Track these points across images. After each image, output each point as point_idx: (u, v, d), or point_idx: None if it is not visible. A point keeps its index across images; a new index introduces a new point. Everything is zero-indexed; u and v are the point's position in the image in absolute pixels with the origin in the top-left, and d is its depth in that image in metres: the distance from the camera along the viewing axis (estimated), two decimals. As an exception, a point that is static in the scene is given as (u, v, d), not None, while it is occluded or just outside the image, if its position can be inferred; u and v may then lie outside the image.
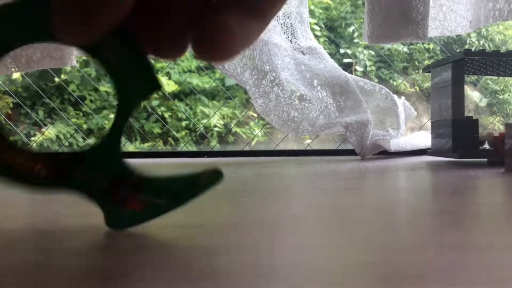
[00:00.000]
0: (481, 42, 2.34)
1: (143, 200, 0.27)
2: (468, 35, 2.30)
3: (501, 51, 0.79)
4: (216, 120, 2.00)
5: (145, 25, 0.18)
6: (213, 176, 0.27)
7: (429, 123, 0.95)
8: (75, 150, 0.27)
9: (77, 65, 1.13)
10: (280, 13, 1.03)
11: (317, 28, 1.98)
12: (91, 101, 2.20)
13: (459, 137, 0.77)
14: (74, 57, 1.04)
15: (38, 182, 0.25)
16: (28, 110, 1.72)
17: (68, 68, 1.60)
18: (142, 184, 0.27)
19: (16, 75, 1.85)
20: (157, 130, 2.23)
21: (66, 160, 0.25)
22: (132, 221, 0.28)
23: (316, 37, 1.56)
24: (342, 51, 1.97)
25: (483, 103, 2.06)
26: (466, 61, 0.80)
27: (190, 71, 2.17)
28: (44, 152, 0.25)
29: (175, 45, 0.18)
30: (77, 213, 0.31)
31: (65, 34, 0.15)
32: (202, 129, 1.80)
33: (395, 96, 1.08)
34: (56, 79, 1.52)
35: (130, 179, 0.27)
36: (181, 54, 0.18)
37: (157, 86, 0.24)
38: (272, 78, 1.01)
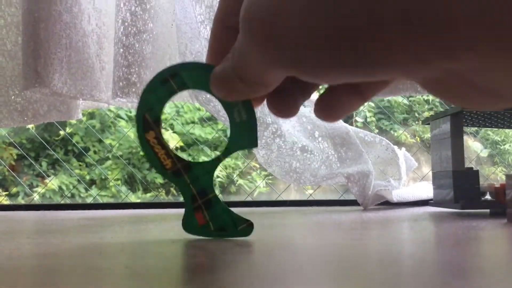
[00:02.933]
0: (480, 94, 2.37)
1: (205, 218, 0.38)
2: (466, 87, 2.33)
3: (498, 104, 0.80)
4: (218, 171, 2.01)
5: (274, 97, 0.26)
6: (248, 229, 0.40)
7: (430, 173, 0.96)
8: (190, 161, 0.39)
9: (83, 118, 1.15)
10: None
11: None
12: (95, 152, 2.21)
13: (461, 188, 0.77)
14: (80, 110, 1.06)
15: (163, 172, 0.38)
16: (32, 162, 1.73)
17: (74, 121, 1.63)
18: (212, 205, 0.38)
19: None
20: (159, 180, 2.23)
21: (182, 164, 0.38)
22: (194, 230, 0.39)
23: (317, 90, 1.59)
24: (342, 102, 2.00)
25: (484, 153, 2.07)
26: (464, 114, 0.82)
27: (193, 122, 2.20)
28: (175, 154, 0.38)
29: (292, 108, 0.27)
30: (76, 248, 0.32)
31: (216, 93, 0.25)
32: (204, 179, 1.80)
33: (395, 147, 1.09)
34: (61, 132, 1.54)
35: (209, 196, 0.38)
36: (294, 114, 0.27)
37: (255, 145, 0.36)
38: (274, 130, 1.03)
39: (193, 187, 0.39)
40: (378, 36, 0.16)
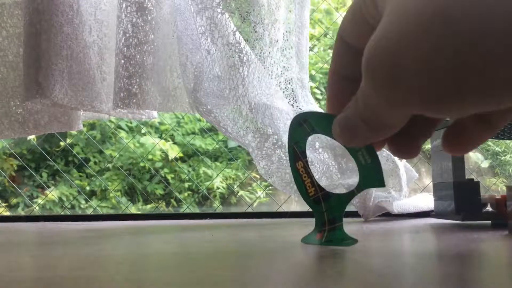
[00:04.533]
0: (480, 105, 2.38)
1: (322, 236, 0.44)
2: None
3: (499, 115, 0.80)
4: (219, 182, 2.01)
5: (395, 140, 0.27)
6: (351, 242, 0.45)
7: (431, 185, 0.96)
8: (329, 191, 0.44)
9: (84, 129, 1.15)
10: (282, 79, 1.06)
11: (318, 92, 2.03)
12: (95, 163, 2.21)
13: (461, 200, 0.77)
14: (80, 121, 1.06)
15: (306, 198, 0.43)
16: (33, 172, 1.73)
17: (74, 132, 1.63)
18: (335, 232, 0.44)
19: None
20: (159, 192, 2.23)
21: (322, 193, 0.43)
22: (308, 241, 0.45)
23: (317, 100, 1.59)
24: (343, 113, 2.00)
25: (485, 164, 2.06)
26: (464, 124, 0.82)
27: (193, 133, 2.20)
28: (318, 183, 0.44)
29: (414, 149, 0.27)
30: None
31: (339, 141, 0.27)
32: (205, 190, 1.80)
33: (396, 158, 1.09)
34: (62, 143, 1.54)
35: (336, 225, 0.44)
36: (416, 154, 0.28)
37: (383, 185, 0.40)
38: (274, 141, 1.03)
39: (326, 215, 0.44)
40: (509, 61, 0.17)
